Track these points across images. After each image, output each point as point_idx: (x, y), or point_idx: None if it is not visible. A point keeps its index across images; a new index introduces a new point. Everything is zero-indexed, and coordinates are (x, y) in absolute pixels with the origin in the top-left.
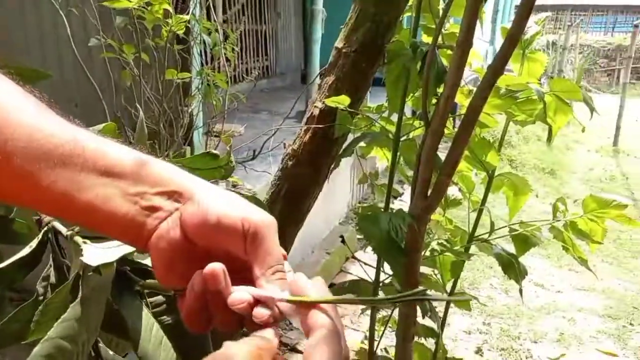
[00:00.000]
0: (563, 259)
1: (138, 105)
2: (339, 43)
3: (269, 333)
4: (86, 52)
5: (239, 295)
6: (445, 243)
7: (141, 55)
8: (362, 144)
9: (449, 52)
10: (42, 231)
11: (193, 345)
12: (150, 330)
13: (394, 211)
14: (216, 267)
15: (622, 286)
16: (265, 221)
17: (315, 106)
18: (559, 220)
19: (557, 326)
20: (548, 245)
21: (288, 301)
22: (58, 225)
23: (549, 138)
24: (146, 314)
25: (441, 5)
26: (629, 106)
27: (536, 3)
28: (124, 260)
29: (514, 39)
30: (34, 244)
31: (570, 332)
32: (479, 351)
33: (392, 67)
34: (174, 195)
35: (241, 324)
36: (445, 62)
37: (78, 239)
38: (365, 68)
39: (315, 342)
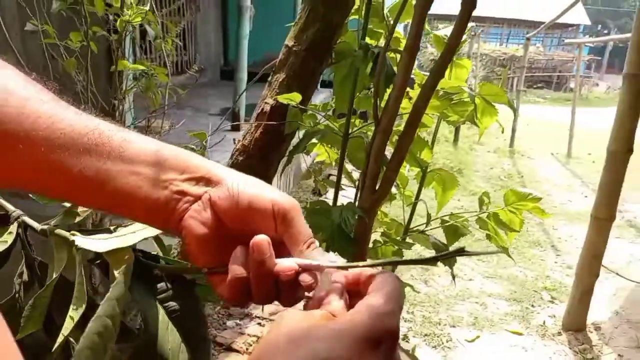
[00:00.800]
0: (472, 249)
1: (114, 99)
2: (289, 41)
3: (336, 299)
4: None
5: (287, 263)
6: (386, 235)
7: (89, 44)
8: (314, 140)
9: (392, 54)
10: (14, 226)
11: (192, 331)
12: (158, 316)
13: (345, 205)
14: (262, 238)
15: (523, 273)
16: (293, 203)
17: (265, 102)
18: (484, 212)
19: (471, 311)
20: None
21: (337, 267)
22: (29, 220)
23: (456, 139)
24: (153, 301)
25: (386, 10)
26: (522, 111)
27: (439, 12)
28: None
29: (453, 47)
30: (9, 239)
31: (483, 315)
32: (405, 338)
33: (340, 67)
34: (202, 181)
35: (278, 296)
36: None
37: (61, 231)
38: (314, 67)
39: (383, 275)
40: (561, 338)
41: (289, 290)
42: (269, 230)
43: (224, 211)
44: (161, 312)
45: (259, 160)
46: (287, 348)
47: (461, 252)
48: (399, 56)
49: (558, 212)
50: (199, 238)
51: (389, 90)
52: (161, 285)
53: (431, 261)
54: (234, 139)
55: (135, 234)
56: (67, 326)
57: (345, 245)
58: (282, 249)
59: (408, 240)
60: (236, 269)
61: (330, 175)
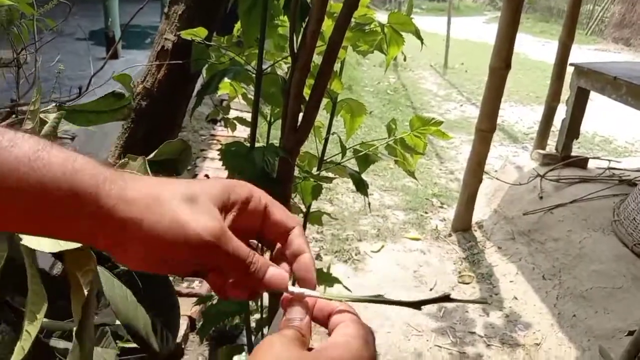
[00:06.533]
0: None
1: None
2: None
3: (300, 313)
4: None
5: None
6: (306, 170)
7: None
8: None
9: None
10: None
11: (163, 301)
12: (126, 298)
13: (266, 146)
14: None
15: (414, 183)
16: (259, 193)
17: (166, 39)
18: (393, 138)
19: (374, 224)
20: (371, 164)
21: (320, 297)
22: None
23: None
24: (118, 283)
25: None
26: None
27: None
28: None
29: None
30: None
31: (385, 226)
32: (318, 257)
33: None
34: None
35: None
36: None
37: None
38: None
39: (349, 311)
40: (452, 238)
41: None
42: (255, 226)
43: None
44: (128, 293)
45: (165, 104)
46: None
47: (447, 298)
48: None
49: None
50: None
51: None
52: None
53: (415, 305)
54: (133, 82)
55: None
56: (35, 325)
57: (268, 187)
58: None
59: (324, 173)
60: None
61: (223, 101)
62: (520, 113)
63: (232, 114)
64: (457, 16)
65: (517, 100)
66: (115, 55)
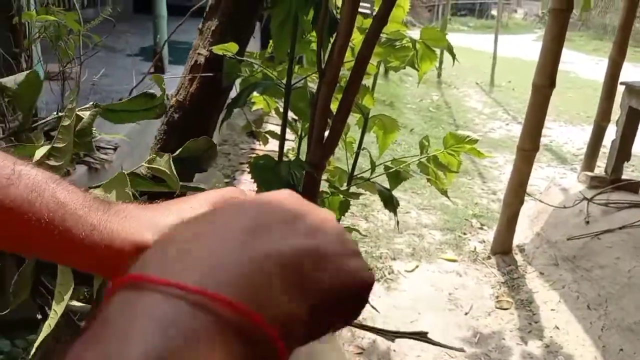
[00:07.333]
0: (405, 183)
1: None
2: None
3: None
4: None
5: None
6: (335, 185)
7: None
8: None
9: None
10: None
11: None
12: None
13: (292, 160)
14: None
15: (454, 202)
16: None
17: (199, 53)
18: (425, 156)
19: (409, 242)
20: (402, 181)
21: None
22: None
23: (386, 72)
24: None
25: None
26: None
27: None
28: None
29: None
30: None
31: (420, 246)
32: None
33: (276, 12)
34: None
35: None
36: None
37: None
38: (250, 11)
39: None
40: (490, 261)
41: None
42: None
43: None
44: None
45: (197, 117)
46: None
47: (423, 336)
48: (340, 1)
49: (483, 140)
50: None
51: (331, 39)
52: None
53: (391, 334)
54: (167, 95)
55: None
56: (61, 305)
57: None
58: None
59: (353, 188)
60: None
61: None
62: (570, 133)
63: (269, 127)
64: (506, 34)
65: (567, 120)
66: (161, 70)
